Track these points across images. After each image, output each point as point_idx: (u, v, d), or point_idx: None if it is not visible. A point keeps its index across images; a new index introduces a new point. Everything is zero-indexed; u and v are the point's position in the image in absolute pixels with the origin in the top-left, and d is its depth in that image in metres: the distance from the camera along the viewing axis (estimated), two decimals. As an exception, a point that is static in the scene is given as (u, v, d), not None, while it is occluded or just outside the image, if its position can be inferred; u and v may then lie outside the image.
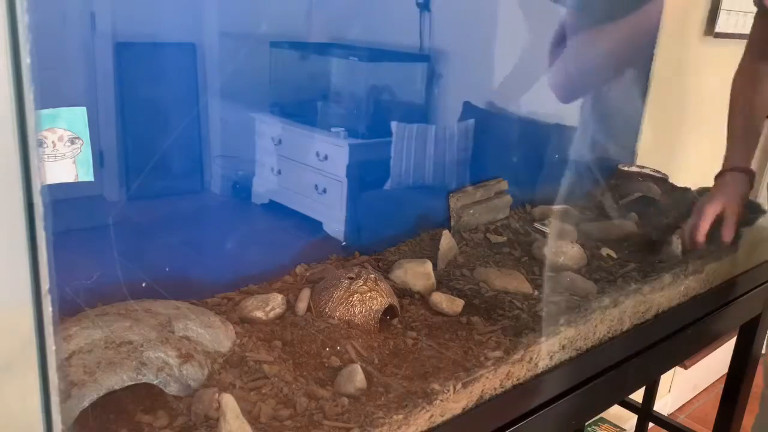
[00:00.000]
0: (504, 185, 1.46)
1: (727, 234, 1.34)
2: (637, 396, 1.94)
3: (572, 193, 1.48)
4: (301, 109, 1.29)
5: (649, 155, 1.88)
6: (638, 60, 1.78)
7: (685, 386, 2.72)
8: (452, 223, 1.35)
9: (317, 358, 0.90)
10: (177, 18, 1.03)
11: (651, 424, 2.02)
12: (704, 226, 1.33)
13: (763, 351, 1.63)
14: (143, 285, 0.95)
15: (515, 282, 1.16)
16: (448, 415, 0.84)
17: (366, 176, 1.34)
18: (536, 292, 1.15)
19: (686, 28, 2.01)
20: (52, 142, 0.56)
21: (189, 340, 0.85)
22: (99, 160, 0.96)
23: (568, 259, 1.26)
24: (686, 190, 1.71)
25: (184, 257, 1.07)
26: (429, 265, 1.15)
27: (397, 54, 1.40)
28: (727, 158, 1.42)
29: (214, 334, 0.88)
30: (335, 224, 1.29)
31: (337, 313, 0.98)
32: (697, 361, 2.66)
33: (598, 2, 1.48)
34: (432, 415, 0.82)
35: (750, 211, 1.53)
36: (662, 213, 1.57)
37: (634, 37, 1.58)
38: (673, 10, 1.80)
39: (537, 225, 1.43)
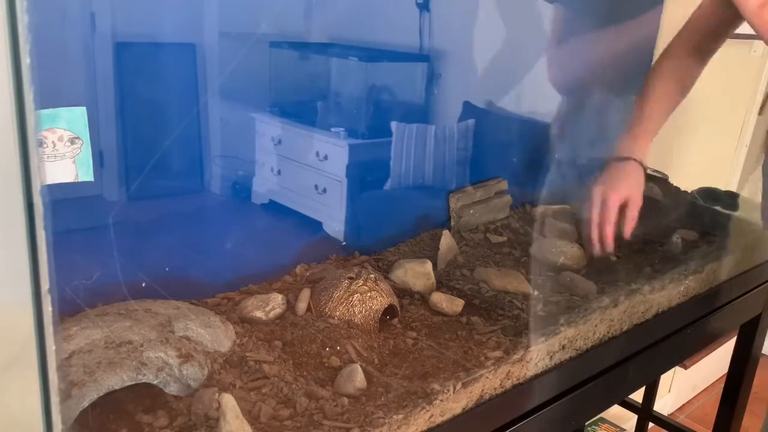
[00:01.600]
0: (504, 185, 1.46)
1: (629, 231, 1.21)
2: (637, 396, 1.94)
3: (554, 193, 1.47)
4: (301, 109, 1.29)
5: (649, 155, 1.87)
6: (636, 63, 1.79)
7: (685, 386, 2.72)
8: (452, 223, 1.35)
9: (317, 358, 0.90)
10: (177, 18, 1.03)
11: (651, 424, 2.02)
12: (611, 219, 1.18)
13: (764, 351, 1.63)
14: (143, 285, 0.95)
15: (515, 282, 1.16)
16: (448, 415, 0.84)
17: (366, 176, 1.34)
18: (536, 292, 1.15)
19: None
20: (52, 142, 0.56)
21: (189, 340, 0.85)
22: (99, 160, 0.96)
23: (568, 259, 1.26)
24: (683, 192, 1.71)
25: (184, 257, 1.07)
26: (429, 265, 1.15)
27: (397, 54, 1.40)
28: (627, 142, 1.27)
29: (214, 334, 0.88)
30: (335, 224, 1.29)
31: (337, 313, 0.98)
32: (697, 361, 2.66)
33: (595, 2, 1.49)
34: (432, 415, 0.82)
35: (735, 204, 1.54)
36: (662, 213, 1.57)
37: (633, 41, 1.57)
38: (673, 11, 1.80)
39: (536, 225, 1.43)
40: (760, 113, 1.40)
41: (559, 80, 1.50)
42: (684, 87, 1.31)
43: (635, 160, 1.24)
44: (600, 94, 1.59)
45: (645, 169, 1.24)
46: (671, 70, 1.30)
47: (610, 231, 1.17)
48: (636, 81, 1.80)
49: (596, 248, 1.19)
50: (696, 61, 1.30)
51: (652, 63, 1.74)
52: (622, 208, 1.20)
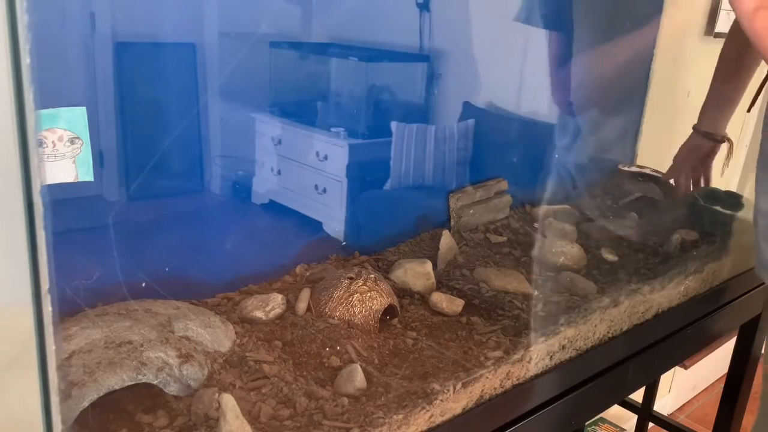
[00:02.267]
0: (504, 185, 1.46)
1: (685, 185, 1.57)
2: (637, 396, 1.94)
3: (556, 193, 1.51)
4: (301, 109, 1.28)
5: (649, 155, 1.87)
6: (635, 74, 1.82)
7: (685, 386, 2.72)
8: (452, 223, 1.35)
9: (317, 358, 0.90)
10: (177, 18, 1.03)
11: (651, 424, 2.02)
12: (674, 177, 1.58)
13: (763, 351, 1.63)
14: (143, 285, 0.95)
15: (515, 282, 1.16)
16: (448, 415, 0.84)
17: (366, 176, 1.34)
18: (536, 292, 1.15)
19: (686, 28, 2.01)
20: (52, 142, 0.56)
21: (189, 340, 0.85)
22: (99, 160, 0.96)
23: (568, 259, 1.26)
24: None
25: (184, 257, 1.07)
26: (429, 265, 1.15)
27: (397, 54, 1.40)
28: (699, 117, 1.53)
29: (214, 334, 0.88)
30: (335, 224, 1.29)
31: (337, 313, 0.98)
32: (697, 361, 2.66)
33: (585, 24, 1.52)
34: (432, 415, 0.82)
35: (735, 204, 1.55)
36: (662, 213, 1.57)
37: (630, 55, 1.65)
38: (673, 10, 1.80)
39: (537, 225, 1.43)
40: (749, 110, 1.41)
41: (563, 101, 1.55)
42: (745, 75, 1.45)
43: (703, 134, 1.51)
44: (599, 109, 1.69)
45: (718, 139, 1.52)
46: (728, 62, 1.46)
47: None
48: (633, 93, 1.83)
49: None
50: (746, 55, 1.41)
51: (651, 71, 1.78)
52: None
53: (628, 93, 1.84)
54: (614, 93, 1.73)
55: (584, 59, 1.55)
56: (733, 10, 1.01)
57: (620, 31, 1.60)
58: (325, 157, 1.29)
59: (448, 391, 0.84)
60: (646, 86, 1.85)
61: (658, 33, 1.77)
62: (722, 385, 1.64)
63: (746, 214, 1.55)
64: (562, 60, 1.52)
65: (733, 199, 1.61)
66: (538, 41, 1.50)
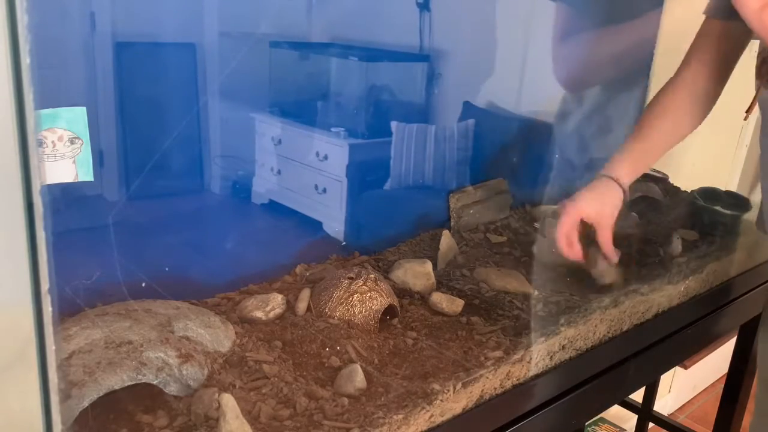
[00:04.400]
0: (504, 185, 1.46)
1: (610, 253, 1.12)
2: (637, 396, 1.94)
3: (557, 192, 1.47)
4: (301, 109, 1.29)
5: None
6: (639, 62, 1.78)
7: (685, 386, 2.72)
8: (452, 223, 1.35)
9: (317, 358, 0.90)
10: (177, 18, 1.03)
11: (651, 424, 2.02)
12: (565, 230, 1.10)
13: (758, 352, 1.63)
14: (143, 285, 0.95)
15: (515, 282, 1.16)
16: (448, 415, 0.84)
17: (366, 176, 1.34)
18: (536, 292, 1.15)
19: (686, 28, 2.01)
20: (52, 142, 0.56)
21: (189, 340, 0.85)
22: (99, 160, 0.96)
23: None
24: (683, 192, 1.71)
25: (183, 257, 1.07)
26: (429, 265, 1.15)
27: (397, 54, 1.40)
28: (614, 163, 1.16)
29: (214, 334, 0.88)
30: (335, 224, 1.29)
31: (337, 313, 0.98)
32: (697, 361, 2.66)
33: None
34: (432, 415, 0.82)
35: (735, 204, 1.53)
36: (663, 213, 1.57)
37: (636, 40, 1.55)
38: (673, 10, 1.80)
39: (537, 225, 1.43)
40: (745, 118, 1.36)
41: (565, 77, 1.47)
42: (692, 118, 1.21)
43: (613, 180, 1.13)
44: (606, 90, 1.55)
45: (625, 193, 1.14)
46: (677, 102, 1.22)
47: (564, 243, 1.11)
48: (640, 77, 1.79)
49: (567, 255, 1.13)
50: (710, 89, 1.23)
51: (651, 71, 1.73)
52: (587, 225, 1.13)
53: (628, 92, 1.84)
54: (621, 80, 1.67)
55: (594, 37, 1.46)
56: (739, 11, 1.00)
57: (628, 12, 1.54)
58: (325, 157, 1.29)
59: (448, 391, 0.84)
60: (646, 86, 1.85)
61: (658, 32, 1.77)
62: (722, 385, 1.64)
63: (746, 213, 1.55)
64: (567, 34, 1.42)
65: (733, 199, 1.61)
66: (538, 41, 1.50)
